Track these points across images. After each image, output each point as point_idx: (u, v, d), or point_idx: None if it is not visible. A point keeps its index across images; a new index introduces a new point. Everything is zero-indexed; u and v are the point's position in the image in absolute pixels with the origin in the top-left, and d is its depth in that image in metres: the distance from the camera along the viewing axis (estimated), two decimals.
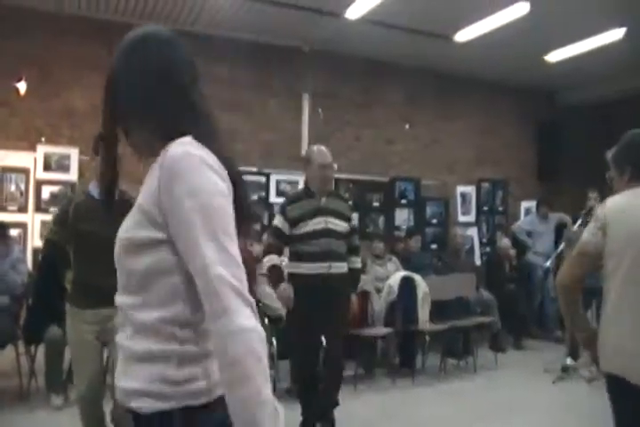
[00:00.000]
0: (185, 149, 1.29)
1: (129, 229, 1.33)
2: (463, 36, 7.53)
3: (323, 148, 4.33)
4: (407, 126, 8.93)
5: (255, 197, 7.94)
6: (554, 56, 8.18)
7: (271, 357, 5.41)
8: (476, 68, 8.87)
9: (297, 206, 4.20)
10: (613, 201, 2.50)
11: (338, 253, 4.22)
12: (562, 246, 6.79)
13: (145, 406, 1.26)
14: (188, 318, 1.29)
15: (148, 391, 1.26)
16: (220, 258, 1.21)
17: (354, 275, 4.45)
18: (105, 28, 7.16)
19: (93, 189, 3.52)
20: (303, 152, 8.25)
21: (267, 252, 4.34)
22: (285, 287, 4.10)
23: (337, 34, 7.61)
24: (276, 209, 4.89)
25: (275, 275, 4.23)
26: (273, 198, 8.04)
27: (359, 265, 4.58)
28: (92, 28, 7.12)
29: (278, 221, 4.25)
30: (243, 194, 1.39)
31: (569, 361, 6.19)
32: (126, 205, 3.68)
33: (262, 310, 5.51)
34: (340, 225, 4.24)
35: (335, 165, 4.36)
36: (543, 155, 9.88)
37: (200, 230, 1.22)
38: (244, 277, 1.24)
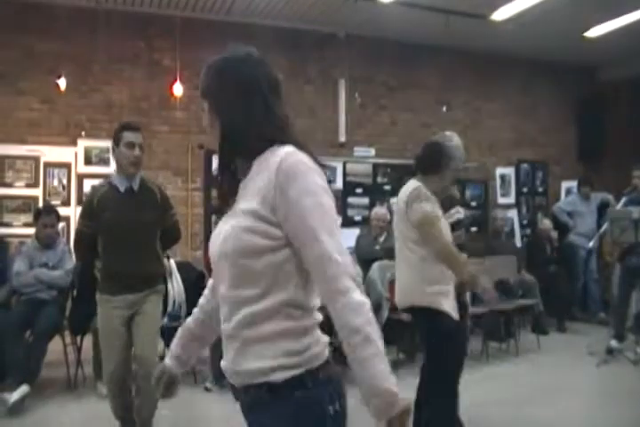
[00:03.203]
0: (293, 158, 1.51)
1: (241, 235, 1.51)
2: (501, 14, 7.41)
3: (454, 137, 3.97)
4: (444, 109, 8.84)
5: None
6: (594, 31, 7.99)
7: None
8: (513, 48, 8.71)
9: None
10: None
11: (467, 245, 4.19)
12: (605, 226, 6.69)
13: (280, 377, 1.48)
14: (299, 298, 1.53)
15: (279, 366, 1.48)
16: (336, 247, 1.47)
17: None
18: (141, 21, 7.26)
19: (117, 181, 3.63)
20: (341, 138, 8.28)
21: None
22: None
23: (371, 18, 7.56)
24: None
25: None
26: None
27: None
28: (128, 22, 7.20)
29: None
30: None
31: (614, 343, 6.12)
32: (149, 193, 3.81)
33: None
34: (463, 213, 4.13)
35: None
36: (584, 134, 9.65)
37: (316, 223, 1.46)
38: (351, 262, 1.49)
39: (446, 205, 3.96)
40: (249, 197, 1.54)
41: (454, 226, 3.98)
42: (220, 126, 1.61)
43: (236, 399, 1.63)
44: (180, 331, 1.90)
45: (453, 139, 4.07)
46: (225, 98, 1.61)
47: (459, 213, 4.07)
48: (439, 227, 3.53)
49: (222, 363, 1.62)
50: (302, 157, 1.52)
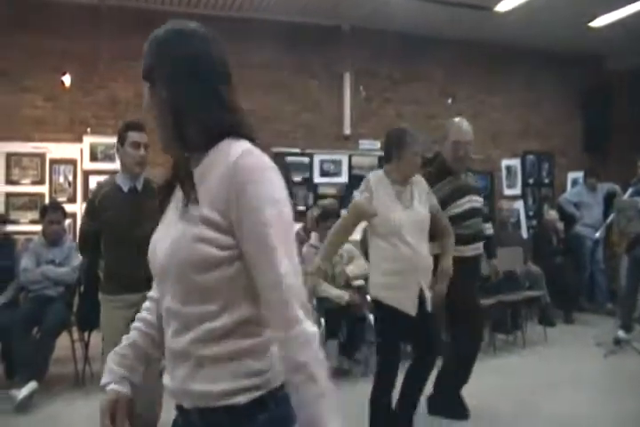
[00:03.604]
0: (254, 156, 1.31)
1: (191, 245, 1.31)
2: (505, 5, 7.37)
3: (463, 122, 4.03)
4: (449, 101, 8.81)
5: (299, 178, 7.99)
6: (600, 21, 7.92)
7: (320, 336, 5.48)
8: (518, 38, 8.64)
9: (441, 186, 3.93)
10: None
11: (483, 233, 4.12)
12: (612, 216, 6.68)
13: (241, 400, 1.32)
14: (256, 313, 1.35)
15: (240, 388, 1.32)
16: (292, 268, 1.28)
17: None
18: (145, 18, 7.23)
19: (121, 180, 3.61)
20: (346, 131, 8.28)
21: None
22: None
23: (375, 10, 7.53)
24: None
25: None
26: (317, 179, 8.08)
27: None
28: (132, 18, 7.20)
29: None
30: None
31: (622, 334, 6.11)
32: (153, 194, 3.78)
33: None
34: (479, 201, 4.06)
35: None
36: (590, 124, 9.56)
37: (276, 239, 1.27)
38: (303, 286, 1.31)
39: (455, 195, 3.92)
40: (200, 199, 1.33)
41: (468, 214, 3.93)
42: (162, 111, 1.39)
43: (183, 421, 1.45)
44: (126, 348, 1.60)
45: (462, 124, 4.03)
46: (165, 75, 1.39)
47: (475, 201, 3.99)
48: (344, 219, 3.71)
49: (167, 382, 1.43)
50: (263, 157, 1.33)
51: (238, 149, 1.31)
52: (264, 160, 1.32)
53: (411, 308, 3.51)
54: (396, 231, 3.52)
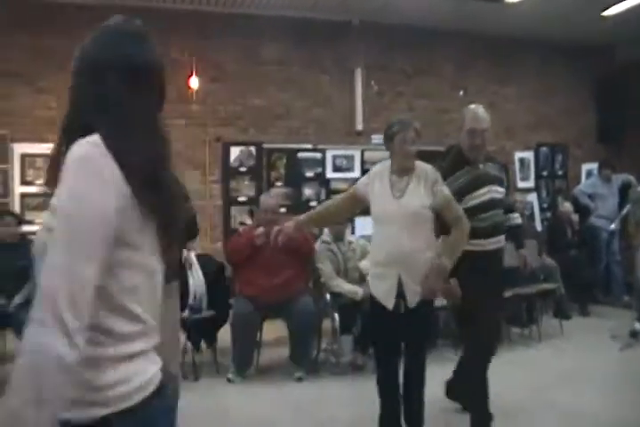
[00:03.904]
0: (83, 151, 1.23)
1: (41, 234, 1.31)
2: None
3: (479, 109, 3.90)
4: (461, 93, 8.76)
5: (311, 173, 8.00)
6: (612, 9, 7.83)
7: (334, 331, 5.52)
8: (529, 29, 8.56)
9: (457, 177, 3.77)
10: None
11: (504, 225, 4.00)
12: (627, 208, 6.64)
13: (81, 414, 1.21)
14: (106, 320, 1.24)
15: (80, 400, 1.20)
16: (59, 268, 1.15)
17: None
18: (154, 16, 7.26)
19: None
20: (358, 126, 8.27)
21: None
22: (455, 284, 3.62)
23: (385, 4, 7.50)
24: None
25: None
26: (329, 174, 8.07)
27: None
28: (141, 17, 7.16)
29: None
30: (165, 198, 1.33)
31: (638, 326, 6.07)
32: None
33: (319, 286, 5.65)
34: (500, 192, 3.89)
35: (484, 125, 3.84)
36: (604, 115, 9.42)
37: (60, 234, 1.18)
38: (80, 300, 1.14)
39: (472, 185, 3.78)
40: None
41: (487, 206, 3.79)
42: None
43: None
44: None
45: (478, 110, 3.97)
46: (73, 72, 1.44)
47: (495, 192, 3.84)
48: (342, 194, 3.98)
49: None
50: (90, 152, 1.23)
51: (76, 143, 1.25)
52: (84, 155, 1.22)
53: (386, 300, 3.50)
54: (383, 221, 3.58)
